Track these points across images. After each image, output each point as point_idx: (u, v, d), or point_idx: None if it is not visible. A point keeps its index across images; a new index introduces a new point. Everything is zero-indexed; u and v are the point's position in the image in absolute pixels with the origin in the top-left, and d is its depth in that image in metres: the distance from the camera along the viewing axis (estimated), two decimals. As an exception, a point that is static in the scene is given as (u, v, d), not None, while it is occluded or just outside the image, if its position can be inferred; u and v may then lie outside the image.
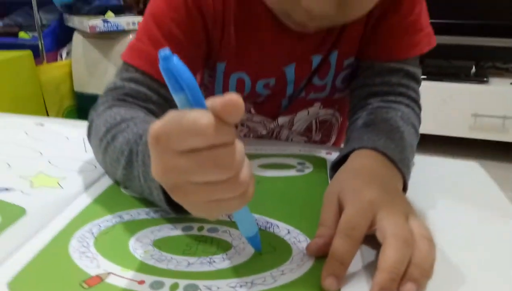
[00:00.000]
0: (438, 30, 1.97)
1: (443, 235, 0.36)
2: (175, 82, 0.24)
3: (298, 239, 0.35)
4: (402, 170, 0.39)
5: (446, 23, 2.04)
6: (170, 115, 0.24)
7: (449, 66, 2.23)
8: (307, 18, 0.42)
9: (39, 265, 0.31)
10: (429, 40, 0.53)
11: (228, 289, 0.29)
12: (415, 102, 0.53)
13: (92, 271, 0.30)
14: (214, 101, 0.23)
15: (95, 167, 0.47)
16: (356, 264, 0.32)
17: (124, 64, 0.48)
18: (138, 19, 2.02)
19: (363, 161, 0.39)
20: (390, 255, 0.28)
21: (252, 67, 0.54)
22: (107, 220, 0.37)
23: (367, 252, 0.34)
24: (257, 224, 0.37)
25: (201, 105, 0.24)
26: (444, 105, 2.02)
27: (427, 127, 2.01)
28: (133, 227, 0.36)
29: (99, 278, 0.30)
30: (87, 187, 0.43)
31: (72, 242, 0.34)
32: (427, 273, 0.29)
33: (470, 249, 0.35)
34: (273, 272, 0.31)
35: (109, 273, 0.30)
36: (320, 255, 0.32)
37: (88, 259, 0.32)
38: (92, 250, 0.33)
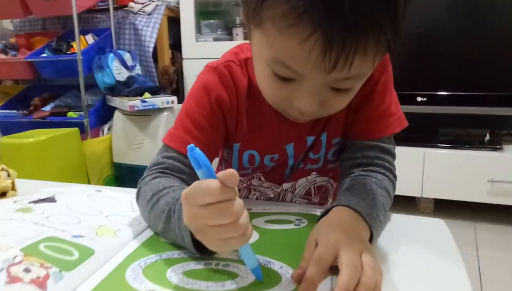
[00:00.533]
0: (454, 101, 2.11)
1: (398, 272, 0.49)
2: (196, 163, 0.40)
3: (287, 272, 0.49)
4: (368, 221, 0.53)
5: (461, 95, 2.18)
6: (194, 183, 0.40)
7: (464, 135, 2.35)
8: (298, 114, 0.57)
9: (107, 285, 0.46)
10: (400, 123, 0.68)
11: (233, 301, 0.43)
12: (389, 171, 0.66)
13: (142, 289, 0.45)
14: (220, 173, 0.39)
15: (140, 222, 0.63)
16: (325, 286, 0.45)
17: (164, 145, 0.65)
18: (172, 98, 2.26)
19: (336, 214, 0.53)
20: (343, 277, 0.42)
21: (260, 146, 0.70)
22: (150, 258, 0.52)
23: (335, 280, 0.46)
24: (259, 260, 0.51)
25: (213, 177, 0.40)
26: (460, 171, 2.11)
27: (445, 193, 2.12)
28: (169, 263, 0.51)
29: (147, 293, 0.44)
30: (135, 236, 0.58)
31: (127, 271, 0.49)
32: (370, 289, 0.42)
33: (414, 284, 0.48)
34: (266, 291, 0.45)
35: (152, 290, 0.45)
36: (300, 281, 0.45)
37: (138, 282, 0.46)
38: (141, 276, 0.47)
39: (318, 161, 0.72)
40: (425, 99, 2.17)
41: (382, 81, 0.66)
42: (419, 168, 2.13)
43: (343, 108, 0.59)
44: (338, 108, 0.58)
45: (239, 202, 0.41)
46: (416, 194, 2.16)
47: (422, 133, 2.28)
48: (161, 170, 0.63)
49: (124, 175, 2.36)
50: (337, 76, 0.49)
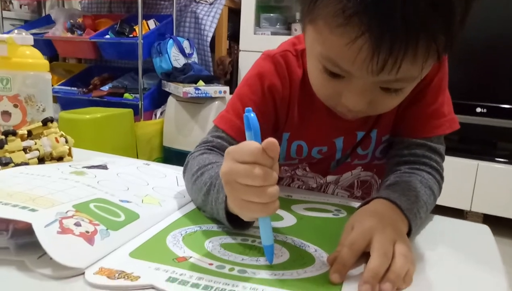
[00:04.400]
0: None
1: (432, 270, 0.48)
2: (248, 125, 0.43)
3: (321, 255, 0.49)
4: (408, 216, 0.52)
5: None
6: (240, 143, 0.43)
7: (524, 151, 2.24)
8: (346, 111, 0.57)
9: (148, 247, 0.48)
10: (451, 124, 0.66)
11: (266, 275, 0.44)
12: (436, 170, 0.65)
13: (180, 254, 0.47)
14: (264, 141, 0.41)
15: (184, 196, 0.65)
16: (358, 270, 0.45)
17: (215, 126, 0.68)
18: (224, 88, 2.30)
19: (374, 205, 0.53)
20: (372, 262, 0.42)
21: (309, 138, 0.70)
22: (191, 228, 0.54)
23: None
24: (293, 242, 0.51)
25: (258, 141, 0.42)
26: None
27: (495, 208, 2.04)
28: (208, 234, 0.53)
29: (185, 258, 0.46)
30: (178, 208, 0.61)
31: (168, 237, 0.51)
32: (401, 277, 0.42)
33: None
34: (298, 270, 0.45)
35: (190, 257, 0.46)
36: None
37: (178, 248, 0.48)
38: (181, 243, 0.49)
39: (366, 157, 0.72)
40: (484, 110, 2.08)
41: (436, 80, 0.65)
42: (470, 181, 2.05)
43: (388, 110, 0.59)
44: (387, 108, 0.58)
45: (274, 174, 0.42)
46: (465, 207, 2.09)
47: (478, 145, 2.20)
48: (209, 147, 0.65)
49: (172, 159, 2.42)
50: (385, 78, 0.49)
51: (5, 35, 0.79)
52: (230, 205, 0.48)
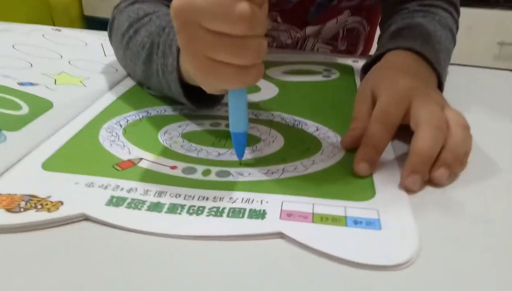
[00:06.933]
0: None
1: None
2: None
3: (327, 135, 0.35)
4: (438, 69, 0.38)
5: None
6: None
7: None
8: None
9: (71, 150, 0.32)
10: None
11: (259, 175, 0.29)
12: (453, 5, 0.50)
13: (124, 156, 0.31)
14: None
15: (116, 70, 0.47)
16: (388, 153, 0.32)
17: None
18: None
19: (398, 58, 0.38)
20: (422, 139, 0.28)
21: None
22: (133, 115, 0.37)
23: (398, 145, 0.33)
24: (280, 120, 0.37)
25: None
26: (469, 32, 1.93)
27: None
28: (160, 121, 0.36)
29: (131, 163, 0.30)
30: (111, 86, 0.43)
31: (101, 132, 0.34)
32: (460, 159, 0.28)
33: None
34: (303, 161, 0.31)
35: (141, 159, 0.30)
36: (354, 147, 0.31)
37: (119, 147, 0.32)
38: (122, 139, 0.33)
39: None
40: None
41: None
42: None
43: None
44: None
45: (264, 18, 0.25)
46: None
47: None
48: (142, -7, 0.45)
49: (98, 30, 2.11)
50: None
51: None
52: (186, 67, 0.30)
